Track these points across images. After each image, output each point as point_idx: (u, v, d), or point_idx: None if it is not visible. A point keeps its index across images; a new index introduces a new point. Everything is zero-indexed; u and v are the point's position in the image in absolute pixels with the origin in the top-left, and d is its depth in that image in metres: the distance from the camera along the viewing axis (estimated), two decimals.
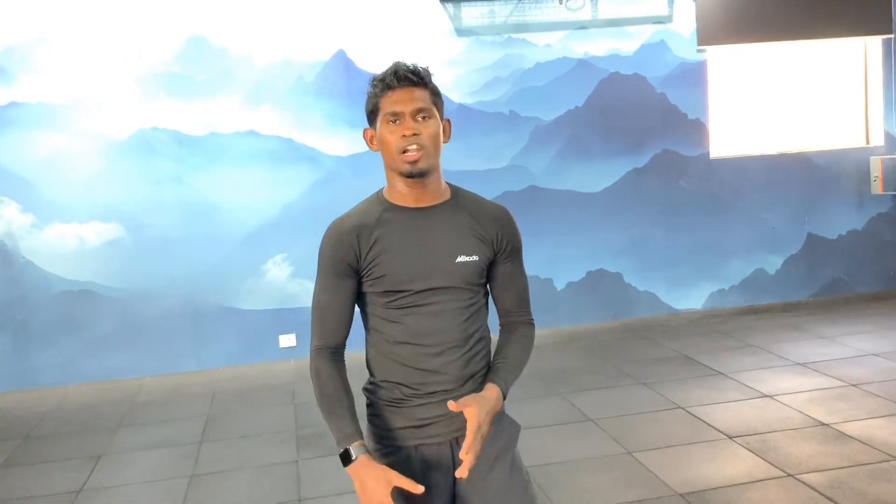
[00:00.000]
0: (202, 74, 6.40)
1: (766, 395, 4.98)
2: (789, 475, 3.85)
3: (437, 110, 1.97)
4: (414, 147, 1.90)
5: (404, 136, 1.90)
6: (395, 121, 1.91)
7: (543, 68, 6.88)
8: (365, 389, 2.09)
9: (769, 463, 4.00)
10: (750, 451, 4.17)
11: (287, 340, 6.57)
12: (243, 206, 6.49)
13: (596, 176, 7.02)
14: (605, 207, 7.04)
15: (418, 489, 1.78)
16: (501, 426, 2.04)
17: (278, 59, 6.48)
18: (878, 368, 5.36)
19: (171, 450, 4.80)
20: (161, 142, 6.37)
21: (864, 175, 7.42)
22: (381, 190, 2.05)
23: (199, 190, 6.43)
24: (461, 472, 1.81)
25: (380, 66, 2.04)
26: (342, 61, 6.55)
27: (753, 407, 4.80)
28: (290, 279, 6.58)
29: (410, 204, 1.99)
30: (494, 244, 2.03)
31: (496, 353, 2.08)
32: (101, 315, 6.35)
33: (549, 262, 6.90)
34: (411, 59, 2.01)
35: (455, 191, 2.06)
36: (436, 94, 1.98)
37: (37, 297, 6.27)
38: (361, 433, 1.91)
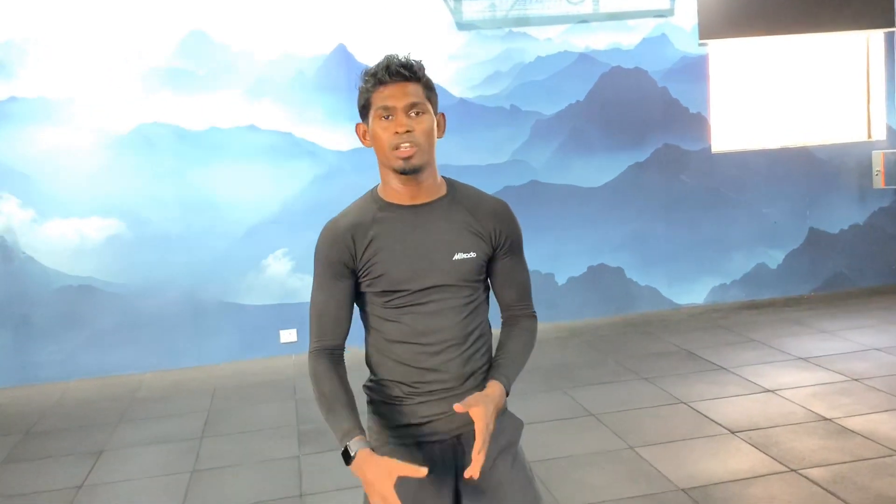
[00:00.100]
0: (202, 69, 6.38)
1: (768, 390, 4.96)
2: (792, 470, 3.84)
3: (431, 105, 1.93)
4: (407, 144, 1.86)
5: (397, 132, 1.86)
6: (388, 116, 1.88)
7: (544, 62, 6.86)
8: (365, 387, 2.07)
9: (771, 458, 3.99)
10: (752, 445, 4.16)
11: (288, 336, 6.56)
12: (244, 201, 6.48)
13: (597, 170, 7.00)
14: (607, 202, 7.02)
15: (421, 472, 1.73)
16: (504, 422, 2.02)
17: (279, 53, 6.46)
18: (881, 363, 5.34)
19: (171, 445, 4.80)
20: (161, 137, 6.35)
21: (865, 169, 7.40)
22: (376, 187, 2.02)
23: (199, 185, 6.41)
24: (471, 472, 1.77)
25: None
26: (343, 55, 6.53)
27: (755, 402, 4.79)
28: (291, 274, 6.57)
29: (405, 201, 1.96)
30: (493, 240, 2.00)
31: (498, 348, 2.05)
32: (101, 310, 6.34)
33: (550, 257, 6.89)
34: (407, 52, 1.96)
35: (451, 185, 2.03)
36: (429, 88, 1.94)
37: (37, 293, 6.26)
38: (361, 427, 1.87)
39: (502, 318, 2.11)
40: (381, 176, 1.99)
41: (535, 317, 2.12)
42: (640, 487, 3.79)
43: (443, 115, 1.99)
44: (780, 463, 3.93)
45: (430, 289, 1.94)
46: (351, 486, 3.95)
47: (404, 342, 1.96)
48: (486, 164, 6.74)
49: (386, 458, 1.77)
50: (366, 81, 1.91)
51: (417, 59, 1.93)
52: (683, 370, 5.49)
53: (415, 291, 1.94)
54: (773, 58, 7.34)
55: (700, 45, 7.06)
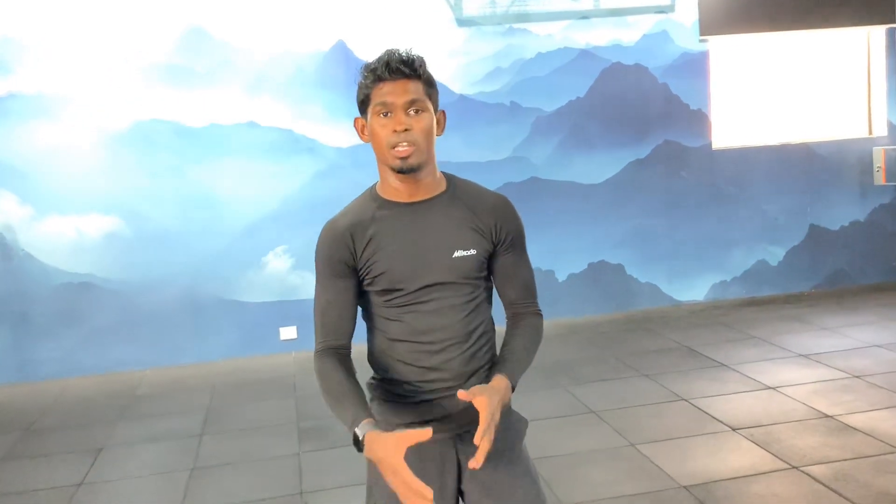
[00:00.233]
0: (201, 65, 6.36)
1: (770, 387, 4.95)
2: (794, 467, 3.83)
3: (431, 102, 1.89)
4: (404, 143, 1.83)
5: (395, 131, 1.83)
6: (386, 114, 1.84)
7: (545, 58, 6.84)
8: (368, 385, 2.05)
9: (773, 455, 3.98)
10: (754, 442, 4.15)
11: (288, 333, 6.55)
12: (243, 198, 6.46)
13: (597, 167, 6.98)
14: (607, 199, 7.01)
15: (426, 434, 1.69)
16: (509, 421, 1.99)
17: (278, 49, 6.44)
18: (882, 359, 5.33)
19: (171, 443, 4.79)
20: (160, 133, 6.34)
21: (866, 166, 7.39)
22: (375, 185, 2.00)
23: (198, 182, 6.40)
24: (476, 462, 1.72)
25: None
26: (342, 52, 6.51)
27: (757, 399, 4.78)
28: (291, 271, 6.55)
29: (404, 199, 1.94)
30: (493, 236, 1.97)
31: (503, 345, 2.01)
32: (100, 307, 6.33)
33: (550, 254, 6.87)
34: (408, 47, 1.91)
35: (451, 181, 2.00)
36: (430, 85, 1.90)
37: (36, 290, 6.24)
38: (369, 412, 1.81)
39: (507, 316, 2.07)
40: (380, 173, 1.97)
41: (540, 314, 2.08)
42: (642, 485, 3.78)
43: (443, 112, 1.96)
44: (782, 460, 3.92)
45: (429, 287, 1.91)
46: (351, 483, 3.94)
47: (405, 341, 1.94)
48: (486, 161, 6.72)
49: (391, 433, 1.71)
50: (365, 77, 1.88)
51: (418, 54, 1.89)
52: (684, 367, 5.48)
53: (415, 290, 1.91)
54: (773, 54, 7.32)
55: (701, 41, 7.05)
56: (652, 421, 4.57)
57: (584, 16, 6.88)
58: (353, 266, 1.94)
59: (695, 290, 7.23)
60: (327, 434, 4.69)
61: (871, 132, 7.51)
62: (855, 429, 4.23)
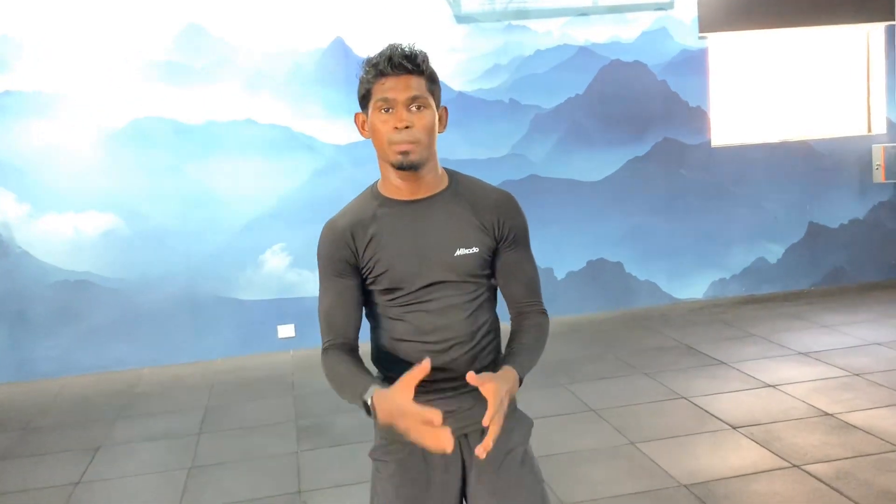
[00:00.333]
0: (199, 63, 6.33)
1: (769, 385, 4.94)
2: (794, 466, 3.82)
3: (434, 98, 1.86)
4: (406, 140, 1.80)
5: (396, 127, 1.80)
6: (388, 109, 1.81)
7: (544, 55, 6.82)
8: None
9: (774, 453, 3.97)
10: (754, 441, 4.14)
11: (286, 331, 6.53)
12: (241, 196, 6.44)
13: (596, 164, 6.97)
14: (606, 196, 6.99)
15: (424, 369, 1.62)
16: (513, 421, 1.97)
17: (276, 47, 6.42)
18: (882, 357, 5.32)
19: (169, 441, 4.77)
20: (158, 131, 6.31)
21: (866, 163, 7.38)
22: (376, 183, 1.97)
23: (196, 179, 6.37)
24: (484, 446, 1.64)
25: None
26: (340, 49, 6.49)
27: (757, 397, 4.77)
28: (289, 269, 6.53)
29: (405, 196, 1.91)
30: (495, 232, 1.93)
31: (509, 341, 1.96)
32: (98, 306, 6.31)
33: (549, 252, 6.86)
34: (412, 42, 1.88)
35: (453, 178, 1.97)
36: (432, 81, 1.87)
37: (33, 288, 6.22)
38: (374, 381, 1.76)
39: (511, 315, 2.04)
40: (381, 170, 1.93)
41: (545, 313, 2.03)
42: (642, 483, 3.76)
43: (445, 108, 1.93)
44: (783, 458, 3.91)
45: (432, 286, 1.89)
46: (349, 482, 3.93)
47: (410, 340, 1.91)
48: (485, 158, 6.70)
49: (395, 386, 1.64)
50: (367, 71, 1.84)
51: (421, 49, 1.85)
52: (684, 365, 5.47)
53: (417, 289, 1.89)
54: (773, 51, 7.31)
55: (700, 38, 7.03)
56: (652, 419, 4.56)
57: (583, 13, 6.86)
58: (354, 265, 1.91)
59: (694, 288, 7.22)
60: (326, 432, 4.67)
61: (870, 129, 7.50)
62: (855, 427, 4.22)
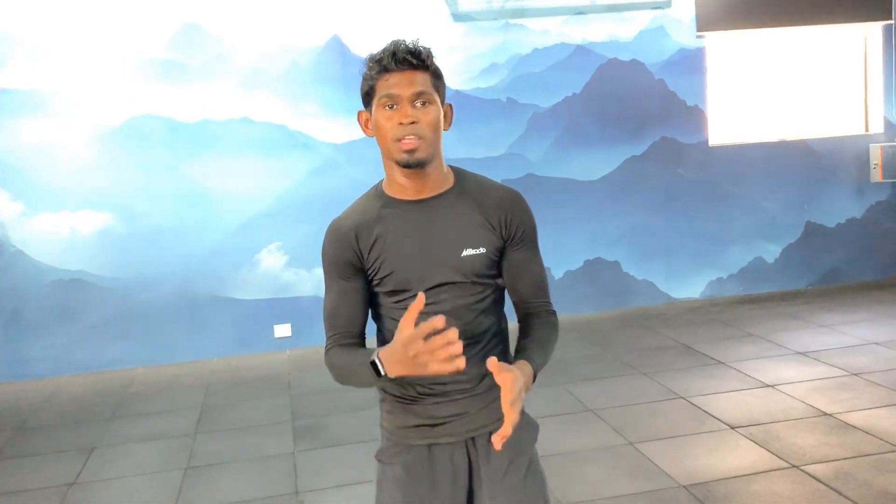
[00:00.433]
0: (195, 61, 6.30)
1: (768, 385, 4.93)
2: (793, 466, 3.80)
3: (438, 94, 1.81)
4: (411, 136, 1.75)
5: (401, 123, 1.75)
6: (392, 106, 1.76)
7: (541, 54, 6.80)
8: (379, 387, 1.99)
9: (772, 454, 3.95)
10: (753, 441, 4.12)
11: (282, 330, 6.51)
12: (237, 194, 6.41)
13: (594, 163, 6.95)
14: (603, 195, 6.98)
15: (419, 303, 1.59)
16: (521, 424, 1.91)
17: (272, 45, 6.39)
18: (880, 357, 5.31)
19: (165, 441, 4.74)
20: (154, 129, 6.28)
21: (863, 163, 7.37)
22: (380, 182, 1.93)
23: (192, 178, 6.34)
24: (503, 433, 1.60)
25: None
26: (337, 47, 6.46)
27: (755, 397, 4.76)
28: (285, 268, 6.50)
29: (410, 196, 1.86)
30: (503, 231, 1.89)
31: (519, 338, 1.92)
32: (93, 305, 6.27)
33: (546, 251, 6.64)
34: (416, 38, 1.83)
35: (459, 176, 1.92)
36: (437, 77, 1.82)
37: (28, 287, 6.18)
38: (374, 349, 1.73)
39: (519, 316, 2.00)
40: (385, 169, 1.89)
41: (554, 313, 1.99)
42: (642, 484, 3.75)
43: (450, 105, 1.88)
44: (782, 459, 3.89)
45: (439, 287, 1.84)
46: (346, 483, 3.91)
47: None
48: (482, 158, 6.68)
49: (397, 332, 1.61)
50: (370, 68, 1.80)
51: (426, 45, 1.81)
52: (682, 365, 5.45)
53: (424, 290, 1.85)
54: (770, 50, 7.30)
55: (697, 37, 7.02)
56: (650, 419, 4.54)
57: (581, 11, 6.85)
58: (359, 267, 1.87)
59: (691, 288, 7.21)
60: (322, 433, 4.65)
61: (867, 129, 7.49)
62: (854, 427, 4.21)
